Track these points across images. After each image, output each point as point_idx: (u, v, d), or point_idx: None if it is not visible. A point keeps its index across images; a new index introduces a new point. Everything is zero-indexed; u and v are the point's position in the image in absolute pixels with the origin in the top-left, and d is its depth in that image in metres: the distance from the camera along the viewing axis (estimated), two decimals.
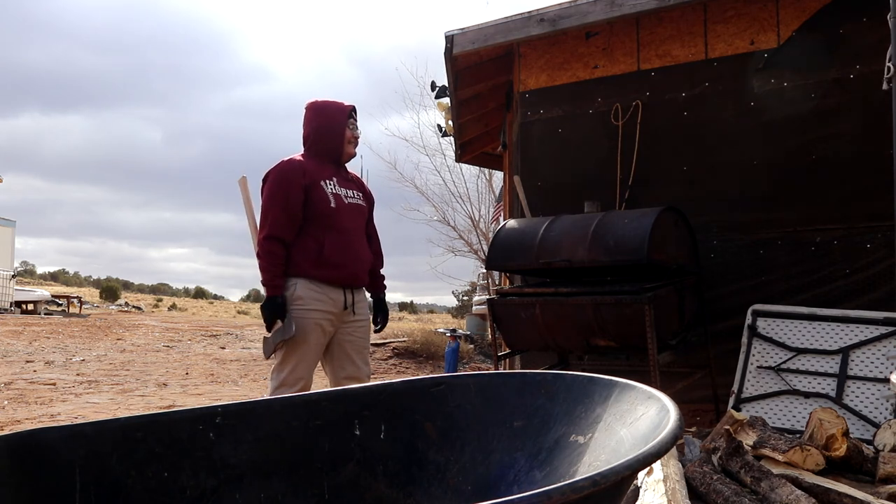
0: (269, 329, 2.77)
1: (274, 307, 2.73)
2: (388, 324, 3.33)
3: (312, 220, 2.81)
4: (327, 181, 2.88)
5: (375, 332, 3.20)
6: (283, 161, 2.88)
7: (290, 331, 2.74)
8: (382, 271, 3.20)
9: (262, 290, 2.80)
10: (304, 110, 3.02)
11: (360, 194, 3.04)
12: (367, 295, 3.10)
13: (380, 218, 3.22)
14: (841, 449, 2.47)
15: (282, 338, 2.74)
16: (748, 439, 2.53)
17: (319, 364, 2.97)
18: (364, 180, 3.20)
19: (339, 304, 2.85)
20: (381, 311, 3.18)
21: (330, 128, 2.93)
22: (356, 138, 3.00)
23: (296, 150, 3.01)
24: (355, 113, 3.00)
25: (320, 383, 6.99)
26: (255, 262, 2.87)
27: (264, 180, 2.88)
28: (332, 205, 2.84)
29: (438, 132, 10.34)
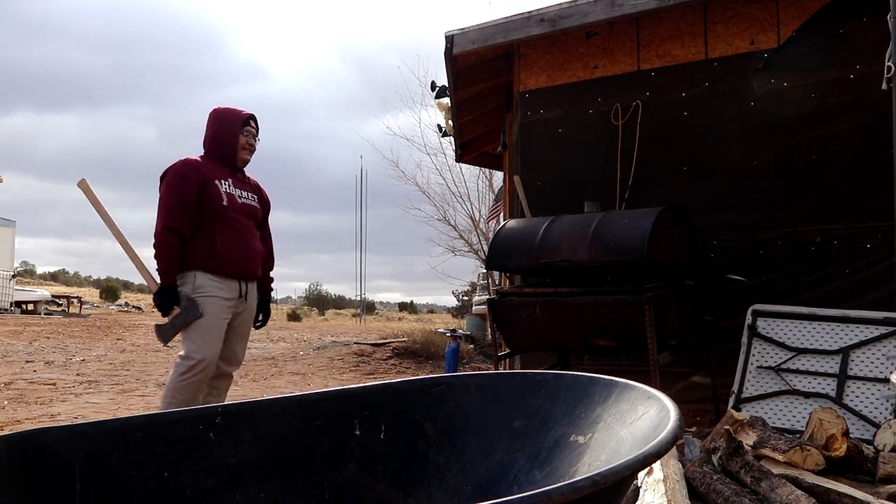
0: (165, 314, 2.93)
1: (172, 293, 2.92)
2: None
3: (205, 216, 3.00)
4: (222, 181, 3.08)
5: (255, 328, 3.37)
6: (180, 160, 3.06)
7: (196, 312, 2.90)
8: (272, 273, 3.42)
9: (157, 278, 2.96)
10: (208, 114, 3.20)
11: (255, 197, 3.26)
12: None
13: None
14: (841, 449, 2.47)
15: (185, 321, 2.89)
16: (748, 439, 2.53)
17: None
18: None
19: (235, 292, 3.05)
20: (263, 311, 3.38)
21: (225, 134, 3.14)
22: (251, 146, 3.20)
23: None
24: (254, 121, 3.20)
25: (320, 383, 7.00)
26: None
27: (162, 178, 3.05)
28: (224, 202, 3.04)
29: (439, 132, 10.34)
